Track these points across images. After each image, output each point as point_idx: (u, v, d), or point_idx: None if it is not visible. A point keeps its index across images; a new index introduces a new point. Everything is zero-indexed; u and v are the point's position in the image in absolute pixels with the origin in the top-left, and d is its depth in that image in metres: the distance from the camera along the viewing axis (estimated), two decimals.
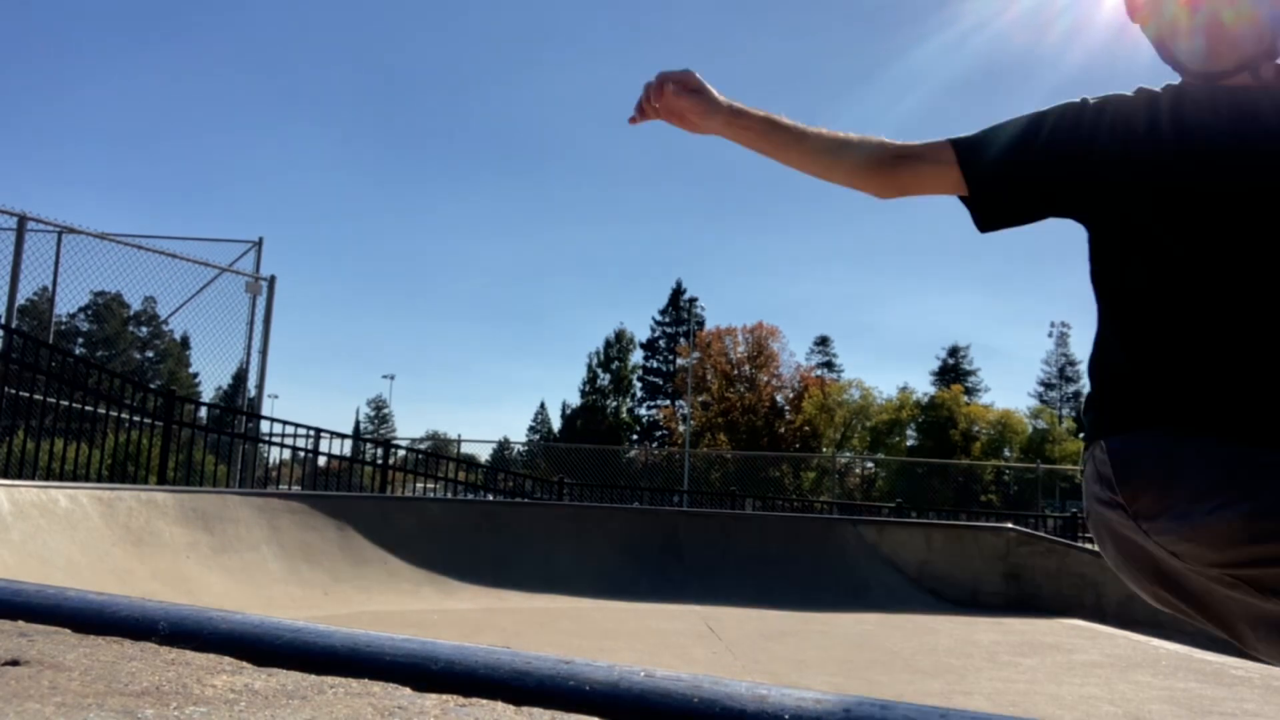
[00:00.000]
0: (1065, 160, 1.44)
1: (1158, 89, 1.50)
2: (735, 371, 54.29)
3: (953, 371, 61.57)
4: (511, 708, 1.19)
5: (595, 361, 63.36)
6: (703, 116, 1.65)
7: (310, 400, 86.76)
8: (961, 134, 1.54)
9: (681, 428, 50.52)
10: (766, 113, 1.65)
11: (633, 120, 1.71)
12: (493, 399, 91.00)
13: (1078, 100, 1.50)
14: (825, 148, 1.60)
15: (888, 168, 1.57)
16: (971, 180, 1.50)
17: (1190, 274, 1.34)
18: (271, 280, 11.63)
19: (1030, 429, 49.91)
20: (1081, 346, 74.43)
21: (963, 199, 1.53)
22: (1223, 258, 1.32)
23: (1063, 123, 1.47)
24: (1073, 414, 62.01)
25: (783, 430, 51.44)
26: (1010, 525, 8.97)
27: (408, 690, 1.25)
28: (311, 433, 11.01)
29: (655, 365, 64.17)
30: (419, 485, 13.91)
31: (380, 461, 12.31)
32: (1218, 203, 1.33)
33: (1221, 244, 1.32)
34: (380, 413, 72.66)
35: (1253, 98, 1.40)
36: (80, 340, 42.57)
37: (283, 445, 11.18)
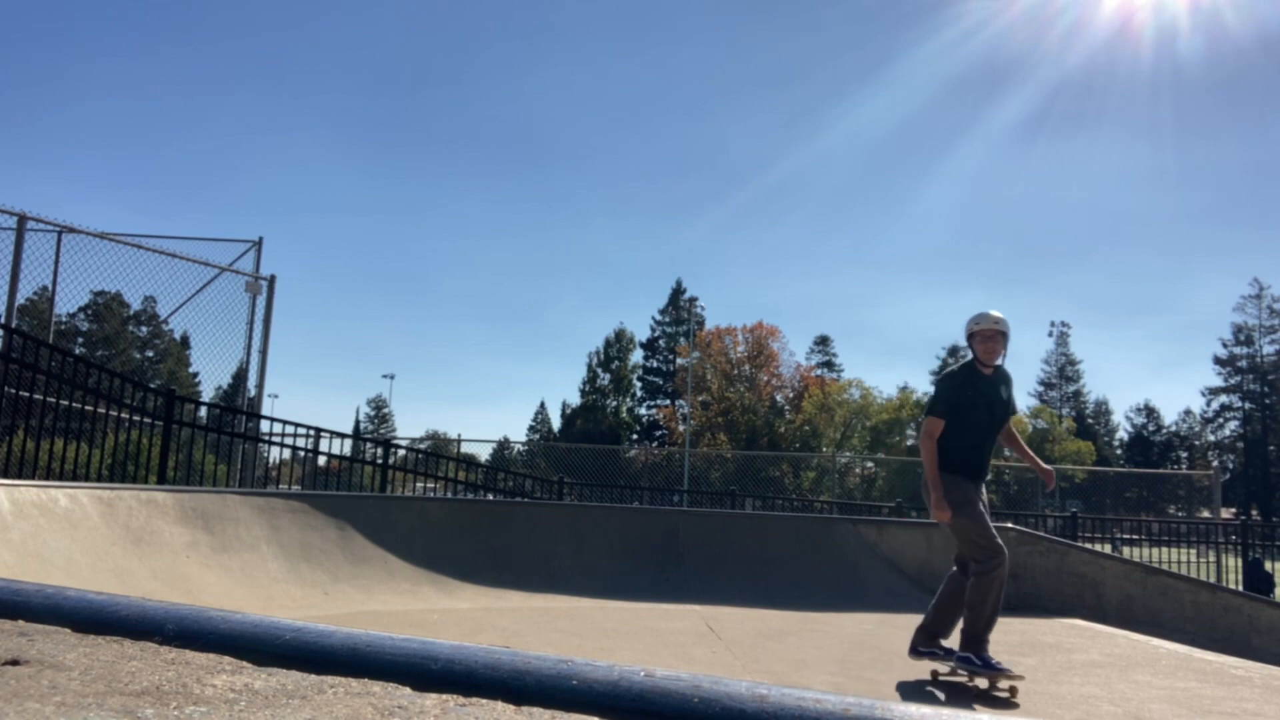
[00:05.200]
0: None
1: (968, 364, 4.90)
2: (735, 371, 54.27)
3: None
4: (511, 707, 1.18)
5: (595, 361, 63.36)
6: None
7: (310, 400, 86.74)
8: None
9: (681, 427, 50.49)
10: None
11: None
12: (493, 398, 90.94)
13: (961, 378, 4.84)
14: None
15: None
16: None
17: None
18: (271, 280, 11.63)
19: (1030, 428, 49.90)
20: (1081, 346, 74.44)
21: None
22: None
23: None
24: (1073, 414, 61.98)
25: (783, 430, 51.42)
26: (1010, 525, 8.96)
27: (408, 690, 1.25)
28: (311, 432, 11.00)
29: (655, 365, 64.17)
30: (419, 485, 13.89)
31: (380, 461, 12.31)
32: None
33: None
34: (380, 412, 72.68)
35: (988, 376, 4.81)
36: (80, 340, 42.55)
37: (283, 445, 11.17)
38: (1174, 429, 67.06)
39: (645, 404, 64.28)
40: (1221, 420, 65.48)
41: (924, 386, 55.60)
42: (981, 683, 4.37)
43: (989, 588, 4.38)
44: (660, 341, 64.30)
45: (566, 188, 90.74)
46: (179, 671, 1.30)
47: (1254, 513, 52.31)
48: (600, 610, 6.68)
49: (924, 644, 4.67)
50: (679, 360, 57.68)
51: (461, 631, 5.43)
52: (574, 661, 1.24)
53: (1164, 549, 14.96)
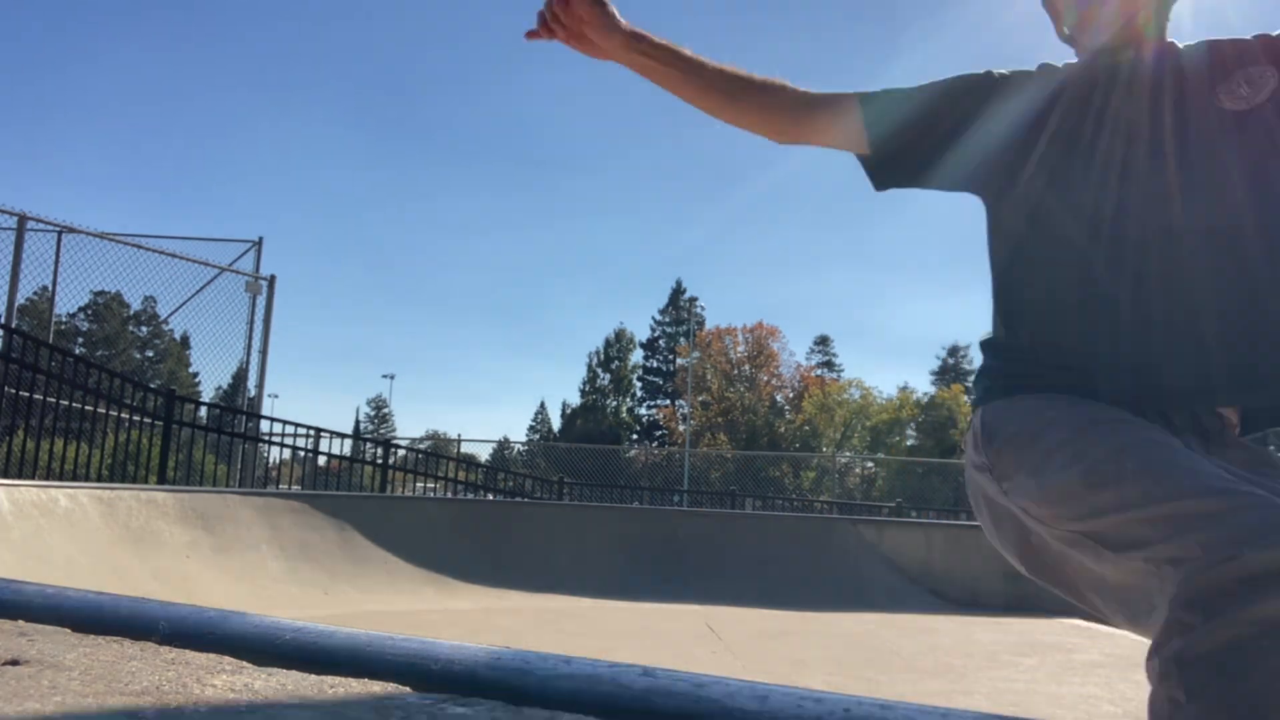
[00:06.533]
0: (965, 133, 1.42)
1: (1059, 64, 1.50)
2: (735, 371, 54.29)
3: (953, 371, 61.54)
4: (511, 708, 1.19)
5: (595, 361, 63.35)
6: (602, 34, 1.53)
7: (310, 400, 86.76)
8: (867, 89, 1.53)
9: (681, 427, 50.52)
10: (669, 42, 1.57)
11: (530, 35, 1.57)
12: (493, 398, 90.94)
13: (981, 72, 1.48)
14: (726, 85, 1.53)
15: (790, 113, 1.54)
16: (872, 142, 1.48)
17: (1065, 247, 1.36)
18: (271, 280, 11.64)
19: None
20: None
21: (859, 156, 1.51)
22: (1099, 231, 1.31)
23: (966, 96, 1.44)
24: None
25: (783, 430, 51.44)
26: None
27: (408, 690, 1.25)
28: (311, 432, 11.01)
29: (655, 365, 64.16)
30: (419, 485, 13.91)
31: (380, 461, 12.31)
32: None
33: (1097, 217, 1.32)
34: (380, 412, 72.65)
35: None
36: (80, 340, 42.56)
37: (283, 445, 11.19)
38: None
39: (645, 404, 64.25)
40: None
41: (924, 386, 55.58)
42: None
43: None
44: (660, 341, 64.29)
45: (567, 187, 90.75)
46: (179, 671, 1.30)
47: None
48: (600, 610, 6.69)
49: None
50: (679, 360, 57.68)
51: (461, 632, 5.43)
52: (574, 661, 1.24)
53: None
